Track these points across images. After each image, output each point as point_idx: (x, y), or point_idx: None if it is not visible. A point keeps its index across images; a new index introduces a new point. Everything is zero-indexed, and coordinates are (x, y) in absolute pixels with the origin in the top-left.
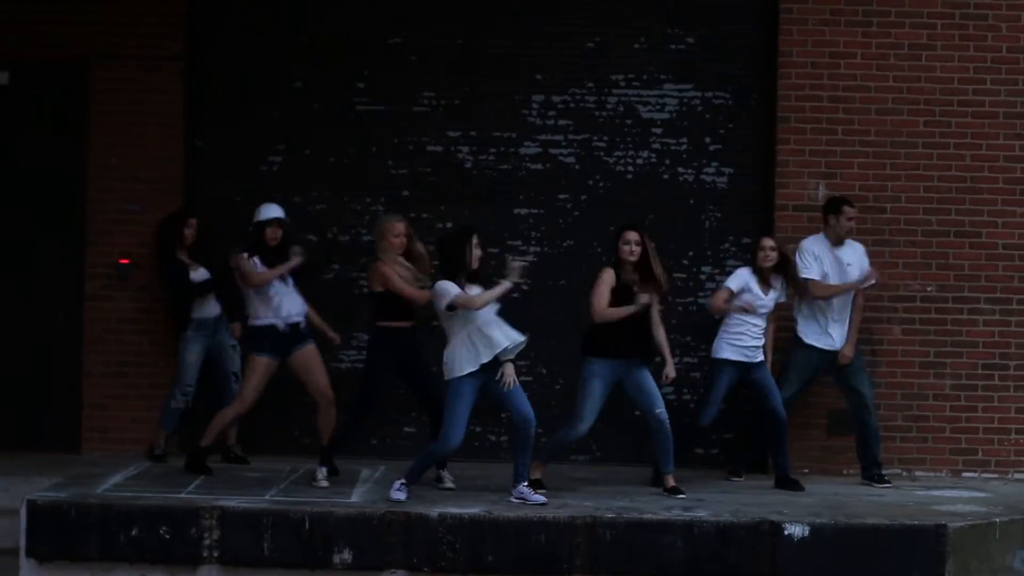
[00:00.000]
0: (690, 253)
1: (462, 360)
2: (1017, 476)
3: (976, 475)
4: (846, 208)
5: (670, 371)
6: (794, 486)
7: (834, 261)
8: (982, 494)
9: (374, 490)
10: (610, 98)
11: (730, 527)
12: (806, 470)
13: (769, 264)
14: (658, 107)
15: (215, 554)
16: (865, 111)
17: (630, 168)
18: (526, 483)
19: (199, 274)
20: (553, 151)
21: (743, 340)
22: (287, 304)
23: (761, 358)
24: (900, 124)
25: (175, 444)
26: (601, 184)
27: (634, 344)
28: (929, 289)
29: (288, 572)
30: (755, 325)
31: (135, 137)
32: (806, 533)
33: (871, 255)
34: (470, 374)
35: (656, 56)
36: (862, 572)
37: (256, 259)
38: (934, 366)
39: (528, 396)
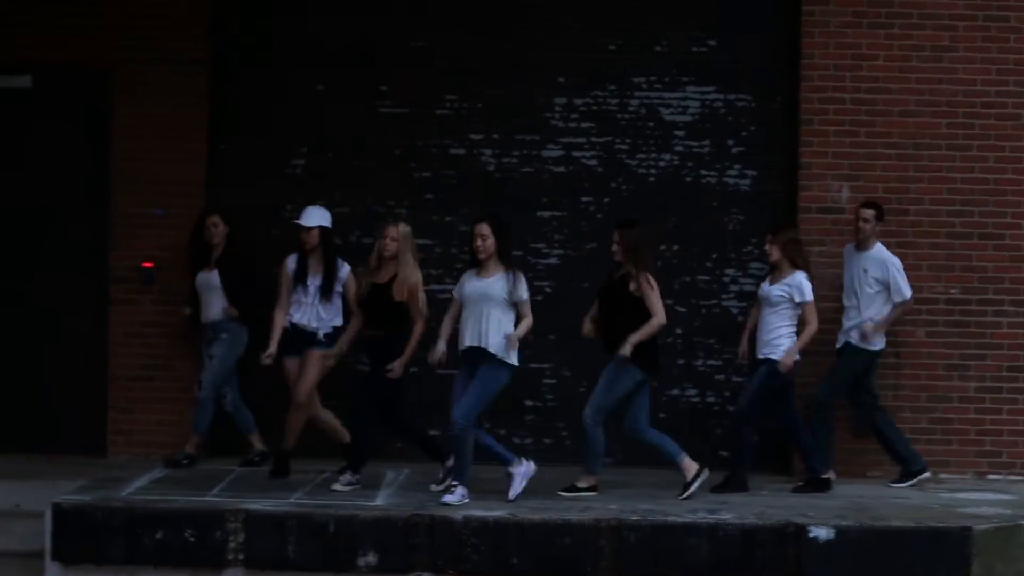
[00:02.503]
0: (713, 256)
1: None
2: None
3: (1001, 477)
4: (860, 210)
5: None
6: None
7: (852, 264)
8: (1007, 496)
9: (399, 493)
10: (632, 100)
11: (755, 530)
12: (831, 473)
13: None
14: (680, 109)
15: (240, 557)
16: (888, 113)
17: (653, 171)
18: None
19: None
20: (576, 154)
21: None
22: (300, 312)
23: (761, 355)
24: (923, 126)
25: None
26: (624, 187)
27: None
28: (953, 292)
29: (313, 575)
30: (759, 317)
31: (159, 141)
32: (831, 535)
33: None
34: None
35: (678, 58)
36: (887, 574)
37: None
38: (958, 368)
39: (553, 398)
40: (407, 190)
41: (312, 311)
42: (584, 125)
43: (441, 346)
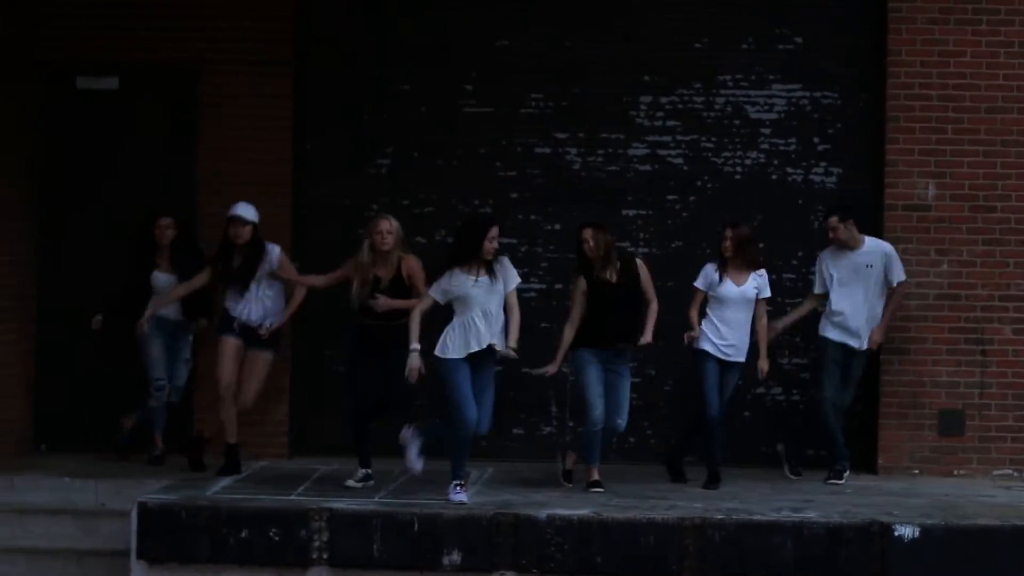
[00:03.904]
0: (799, 254)
1: (454, 344)
2: None
3: None
4: (828, 220)
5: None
6: (715, 483)
7: (848, 265)
8: None
9: (483, 492)
10: (718, 99)
11: (840, 528)
12: (916, 471)
13: (727, 255)
14: (766, 107)
15: (324, 556)
16: (975, 110)
17: (738, 169)
18: (457, 482)
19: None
20: (661, 152)
21: (718, 336)
22: (241, 310)
23: (737, 359)
24: (1011, 122)
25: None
26: (710, 185)
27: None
28: None
29: (397, 573)
30: (730, 320)
31: (244, 141)
32: (916, 534)
33: (981, 254)
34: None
35: (764, 56)
36: (973, 573)
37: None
38: None
39: (635, 397)
40: (492, 189)
41: (251, 307)
42: (670, 123)
43: None
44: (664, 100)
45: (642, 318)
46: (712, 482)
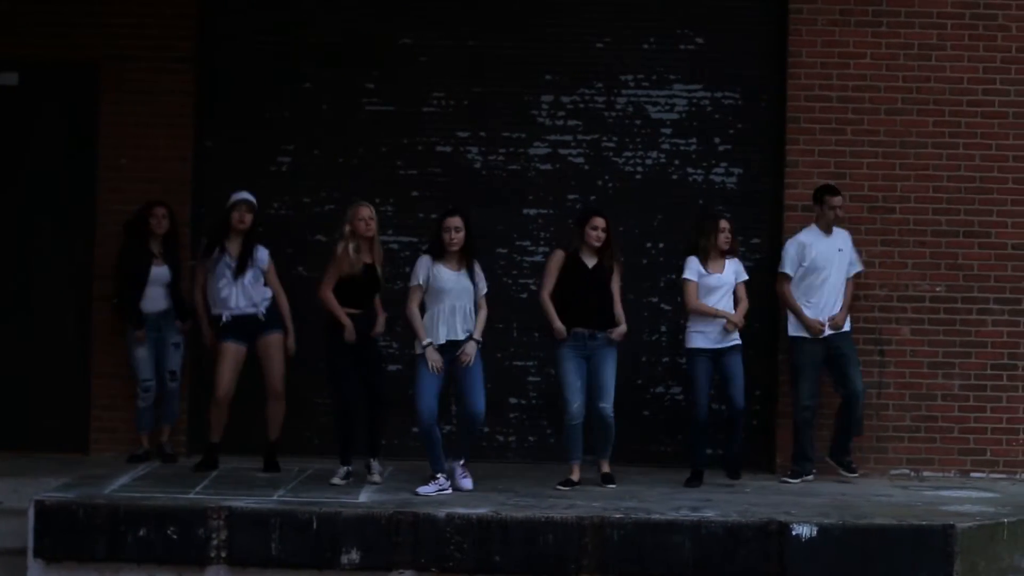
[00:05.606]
0: None
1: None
2: None
3: (985, 475)
4: (828, 197)
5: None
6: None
7: (824, 249)
8: (990, 494)
9: (382, 490)
10: (619, 98)
11: (738, 527)
12: (814, 470)
13: (725, 248)
14: (667, 107)
15: (223, 554)
16: (874, 111)
17: (639, 168)
18: (440, 475)
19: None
20: (562, 151)
21: (709, 325)
22: (235, 298)
23: (732, 342)
24: (910, 124)
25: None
26: (610, 184)
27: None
28: (938, 289)
29: (296, 572)
30: (719, 306)
31: (145, 138)
32: (814, 533)
33: (880, 255)
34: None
35: (665, 56)
36: (870, 572)
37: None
38: (943, 366)
39: (535, 396)
40: (393, 187)
41: (242, 293)
42: (571, 123)
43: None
44: (565, 99)
45: (610, 308)
46: (694, 479)
